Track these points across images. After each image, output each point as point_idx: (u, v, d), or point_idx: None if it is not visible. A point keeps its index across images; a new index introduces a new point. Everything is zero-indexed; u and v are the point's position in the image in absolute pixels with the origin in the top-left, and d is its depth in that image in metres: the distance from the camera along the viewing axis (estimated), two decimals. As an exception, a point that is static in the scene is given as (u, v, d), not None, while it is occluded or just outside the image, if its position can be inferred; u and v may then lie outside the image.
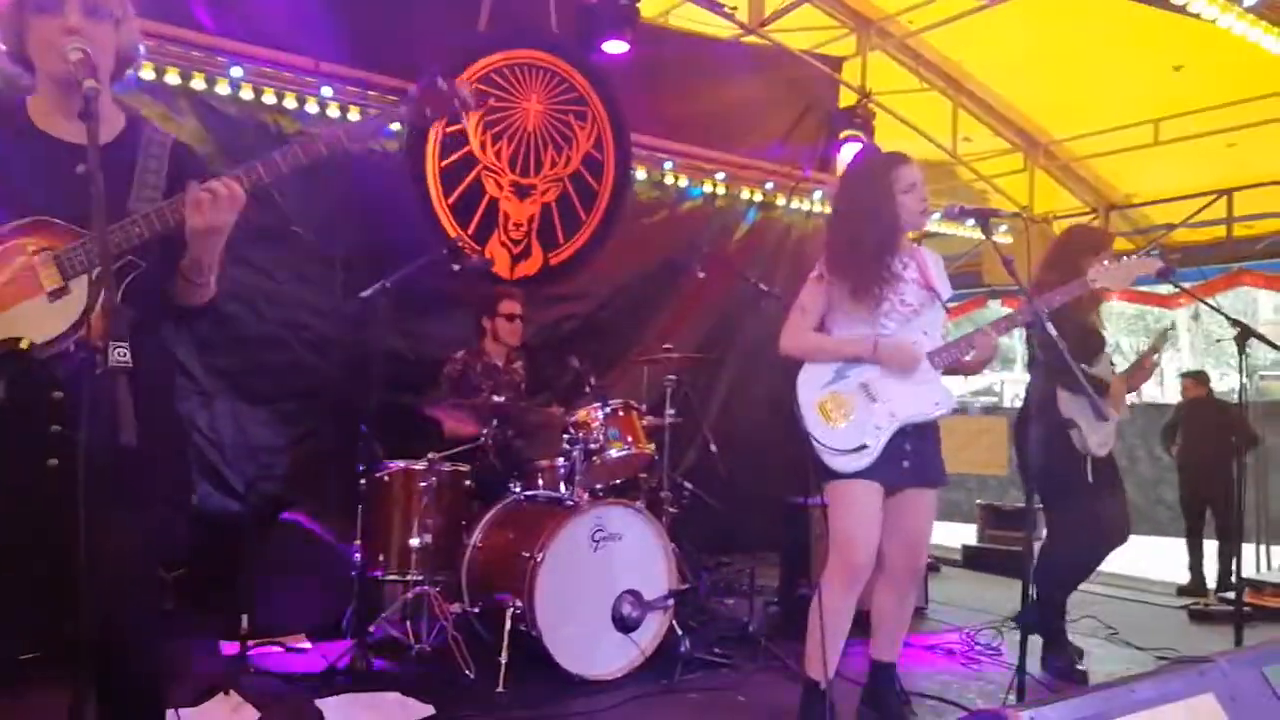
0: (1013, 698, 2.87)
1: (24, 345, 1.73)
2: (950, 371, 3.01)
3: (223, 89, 4.37)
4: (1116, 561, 4.32)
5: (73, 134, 1.84)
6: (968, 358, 2.95)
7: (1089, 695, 1.35)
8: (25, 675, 2.93)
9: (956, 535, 6.85)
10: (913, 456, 2.91)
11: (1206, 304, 4.58)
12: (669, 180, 5.98)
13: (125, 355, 1.76)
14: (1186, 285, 5.70)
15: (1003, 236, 7.25)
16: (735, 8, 6.08)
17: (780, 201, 6.42)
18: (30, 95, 1.89)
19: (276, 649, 3.78)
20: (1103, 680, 3.78)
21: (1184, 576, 6.35)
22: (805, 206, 6.55)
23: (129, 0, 1.88)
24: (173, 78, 4.23)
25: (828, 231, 3.12)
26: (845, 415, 2.90)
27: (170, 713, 2.89)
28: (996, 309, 9.49)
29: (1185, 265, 7.25)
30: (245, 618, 3.65)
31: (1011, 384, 21.99)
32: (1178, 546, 6.54)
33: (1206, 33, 5.46)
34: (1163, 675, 1.45)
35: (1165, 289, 7.75)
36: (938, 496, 3.08)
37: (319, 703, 3.15)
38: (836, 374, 2.95)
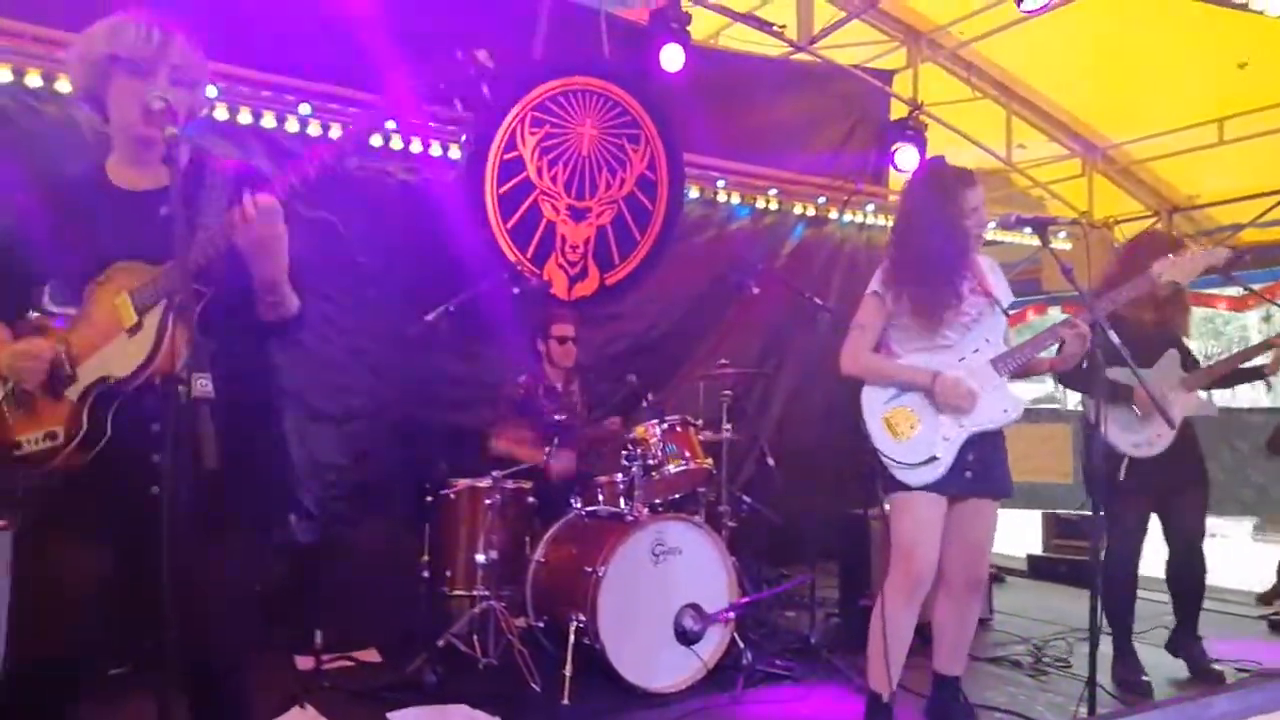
0: (1084, 710, 2.84)
1: (110, 381, 1.87)
2: (1019, 375, 2.99)
3: (292, 125, 4.54)
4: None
5: (144, 182, 1.98)
6: (1055, 352, 2.92)
7: (1164, 709, 1.32)
8: (117, 689, 3.09)
9: (1021, 544, 6.72)
10: (975, 466, 2.89)
11: (1278, 305, 4.46)
12: (721, 198, 6.03)
13: (207, 385, 1.87)
14: (1256, 287, 5.57)
15: (1061, 243, 7.13)
16: (784, 26, 6.12)
17: (833, 215, 6.43)
18: (108, 158, 2.02)
19: (349, 663, 3.91)
20: (1177, 695, 3.73)
21: (1260, 584, 6.14)
22: (858, 219, 6.54)
23: (205, 67, 2.02)
24: (245, 117, 4.41)
25: (893, 246, 3.07)
26: (912, 428, 2.90)
27: (249, 725, 3.02)
28: (1057, 315, 9.32)
29: (1255, 266, 7.04)
30: (318, 633, 3.78)
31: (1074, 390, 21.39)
32: (1256, 550, 6.33)
33: (1271, 28, 5.33)
34: (1243, 689, 1.41)
35: (1234, 291, 7.55)
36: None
37: (390, 715, 3.26)
38: (900, 387, 2.96)
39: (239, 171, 2.04)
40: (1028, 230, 3.01)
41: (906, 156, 6.33)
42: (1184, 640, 3.99)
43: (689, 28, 5.41)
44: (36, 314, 1.98)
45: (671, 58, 5.35)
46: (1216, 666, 3.92)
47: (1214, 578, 4.00)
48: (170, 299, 1.84)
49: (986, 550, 3.04)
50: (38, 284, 1.98)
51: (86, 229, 1.93)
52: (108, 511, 1.87)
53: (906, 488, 2.88)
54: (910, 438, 2.89)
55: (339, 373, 4.78)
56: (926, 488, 2.86)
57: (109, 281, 1.91)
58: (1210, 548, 4.01)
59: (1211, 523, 4.10)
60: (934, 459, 2.85)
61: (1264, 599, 5.87)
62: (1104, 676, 3.74)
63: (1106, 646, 3.77)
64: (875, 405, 2.95)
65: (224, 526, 1.92)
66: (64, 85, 3.95)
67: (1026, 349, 2.93)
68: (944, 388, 2.86)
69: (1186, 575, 3.94)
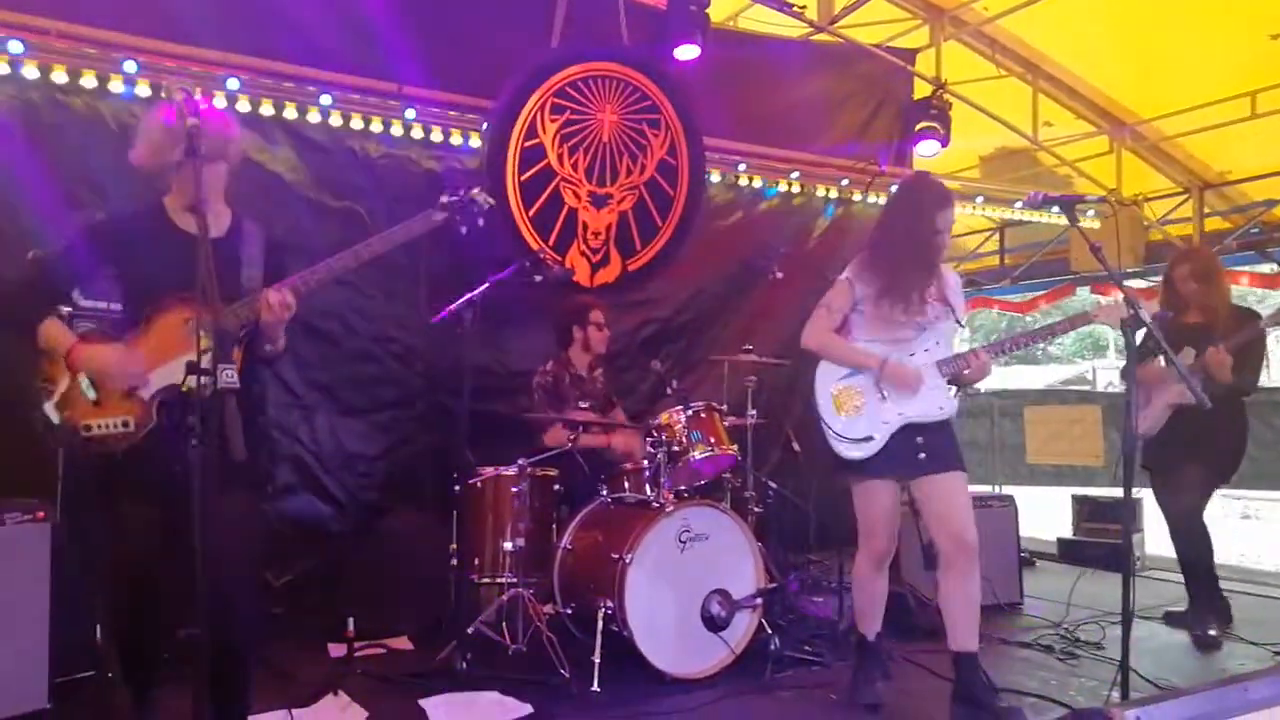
0: (1116, 695, 2.82)
1: (185, 389, 2.22)
2: (952, 381, 3.23)
3: (313, 117, 4.55)
4: (1226, 552, 4.23)
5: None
6: (966, 373, 3.18)
7: (1199, 694, 1.29)
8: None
9: (1051, 527, 6.65)
10: (927, 448, 3.15)
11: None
12: (743, 182, 5.99)
13: (233, 376, 2.06)
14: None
15: (1089, 222, 7.03)
16: (805, 6, 6.05)
17: (856, 197, 6.37)
18: (166, 195, 2.48)
19: (380, 650, 3.94)
20: (1215, 677, 3.68)
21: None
22: (882, 201, 6.47)
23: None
24: (267, 109, 4.43)
25: (870, 243, 3.33)
26: (857, 408, 3.20)
27: (284, 712, 3.08)
28: (1085, 296, 9.20)
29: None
30: (350, 621, 3.82)
31: (1104, 371, 21.26)
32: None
33: (1304, -2, 5.21)
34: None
35: (1267, 268, 7.42)
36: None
37: (422, 702, 3.28)
38: (853, 369, 3.22)
39: (265, 233, 2.60)
40: (1055, 209, 3.05)
41: (927, 149, 6.34)
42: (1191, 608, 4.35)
43: (708, 10, 5.36)
44: (68, 309, 2.40)
45: (685, 53, 5.34)
46: (1212, 633, 4.19)
47: (1250, 560, 3.96)
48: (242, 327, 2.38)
49: (966, 512, 3.17)
50: (68, 285, 2.41)
51: (151, 258, 2.36)
52: (160, 480, 2.20)
53: (859, 474, 3.20)
54: (853, 416, 3.19)
55: (367, 364, 4.82)
56: (878, 475, 3.17)
57: (172, 308, 2.34)
58: (1247, 528, 3.98)
59: (1247, 503, 4.10)
60: (870, 439, 3.15)
61: None
62: (1134, 659, 3.71)
63: (1138, 630, 3.73)
64: (828, 381, 3.26)
65: (239, 506, 2.27)
66: (89, 80, 3.99)
67: (960, 361, 3.16)
68: (890, 372, 3.14)
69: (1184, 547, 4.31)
